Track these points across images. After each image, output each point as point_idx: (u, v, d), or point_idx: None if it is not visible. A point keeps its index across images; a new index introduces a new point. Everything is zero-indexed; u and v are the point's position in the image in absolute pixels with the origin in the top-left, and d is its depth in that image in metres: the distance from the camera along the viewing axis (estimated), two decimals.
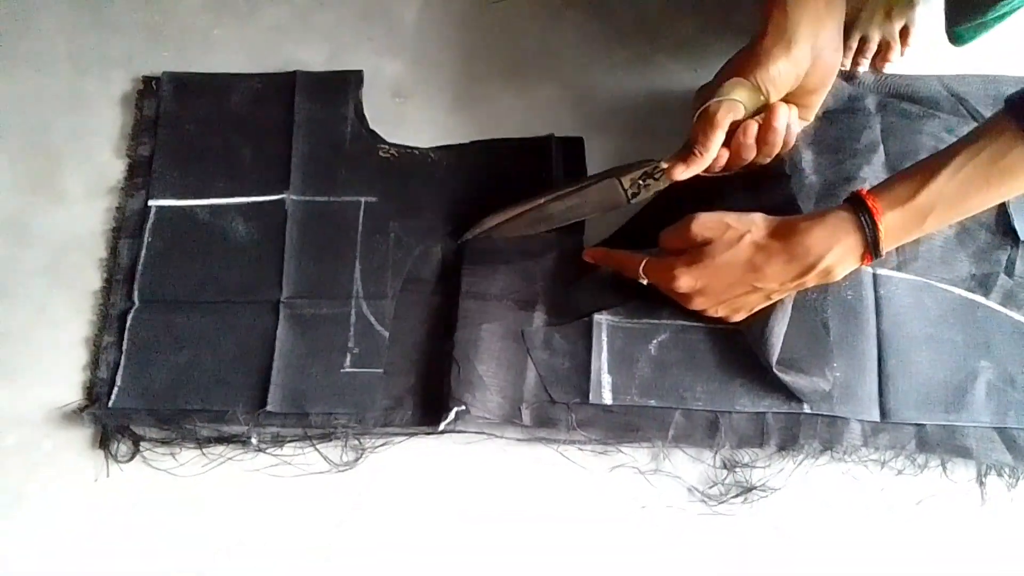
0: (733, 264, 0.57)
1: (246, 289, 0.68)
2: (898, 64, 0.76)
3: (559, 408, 0.63)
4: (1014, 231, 0.67)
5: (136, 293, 0.68)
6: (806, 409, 0.62)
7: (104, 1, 0.81)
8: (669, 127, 0.74)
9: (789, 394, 0.62)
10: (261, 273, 0.68)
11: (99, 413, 0.64)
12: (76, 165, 0.74)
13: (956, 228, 0.68)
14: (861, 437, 0.61)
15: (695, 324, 0.64)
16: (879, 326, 0.64)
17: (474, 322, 0.65)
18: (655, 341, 0.64)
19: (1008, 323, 0.65)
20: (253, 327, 0.67)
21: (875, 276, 0.65)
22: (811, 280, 0.57)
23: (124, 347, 0.66)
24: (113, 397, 0.65)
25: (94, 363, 0.67)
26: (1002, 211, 0.68)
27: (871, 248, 0.55)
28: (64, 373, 0.67)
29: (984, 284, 0.66)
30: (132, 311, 0.68)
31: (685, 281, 0.58)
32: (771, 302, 0.60)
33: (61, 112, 0.76)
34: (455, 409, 0.61)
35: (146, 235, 0.70)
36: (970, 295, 0.66)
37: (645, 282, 0.61)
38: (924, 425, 0.62)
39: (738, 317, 0.61)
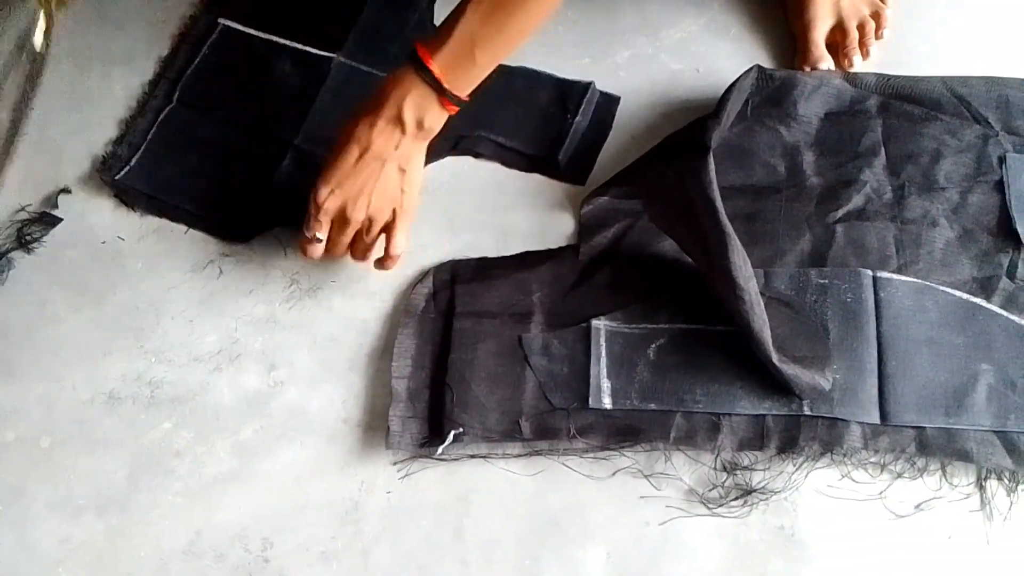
0: (349, 152, 0.63)
1: (270, 123, 0.75)
2: (901, 65, 0.76)
3: (559, 416, 0.62)
4: (1016, 234, 0.67)
5: (177, 94, 0.76)
6: (806, 411, 0.61)
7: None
8: (671, 127, 0.73)
9: (789, 396, 0.62)
10: (288, 114, 0.75)
11: (107, 179, 0.72)
12: (77, 162, 0.74)
13: (957, 231, 0.68)
14: (861, 439, 0.61)
15: (694, 328, 0.64)
16: (879, 328, 0.64)
17: (469, 343, 0.65)
18: (653, 345, 0.64)
19: (1009, 326, 0.64)
20: (261, 157, 0.73)
21: (875, 279, 0.65)
22: (410, 135, 0.62)
23: (149, 136, 0.74)
24: (123, 172, 0.73)
25: (118, 140, 0.75)
26: (1003, 214, 0.68)
27: (439, 90, 0.61)
28: (63, 369, 0.67)
29: (985, 287, 0.66)
30: (168, 108, 0.76)
31: (322, 191, 0.63)
32: (404, 173, 0.64)
33: (63, 109, 0.77)
34: (452, 432, 0.61)
35: (205, 48, 0.78)
36: (971, 298, 0.65)
37: (313, 235, 0.65)
38: (924, 428, 0.61)
39: (380, 201, 0.64)
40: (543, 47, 0.79)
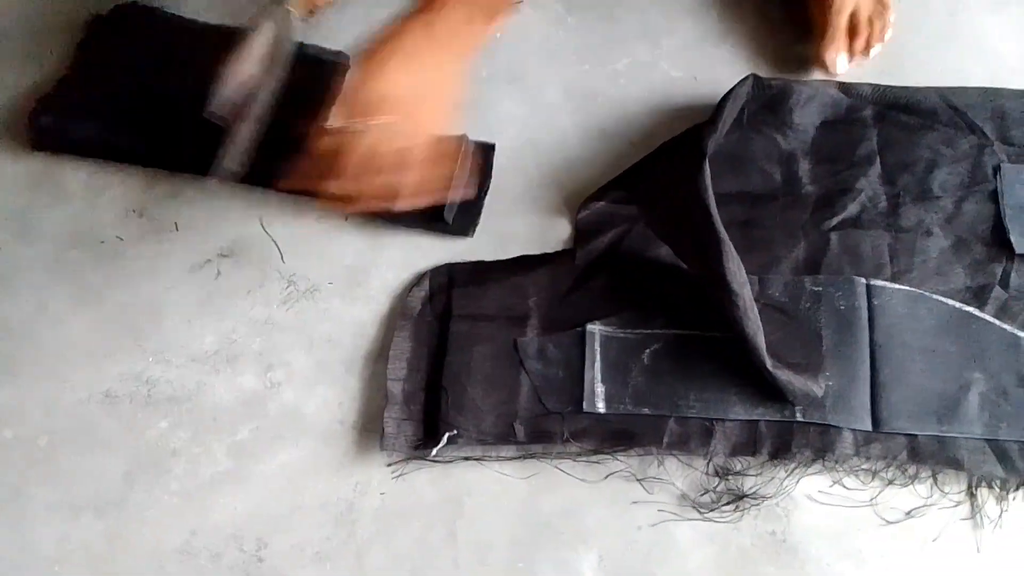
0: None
1: None
2: (900, 73, 0.76)
3: (553, 420, 0.63)
4: (1009, 243, 0.67)
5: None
6: (799, 418, 0.62)
7: (105, 1, 0.81)
8: (668, 134, 0.74)
9: (782, 402, 0.62)
10: None
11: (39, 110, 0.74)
12: (77, 162, 0.75)
13: (952, 240, 0.68)
14: (853, 446, 0.61)
15: (688, 333, 0.65)
16: (872, 336, 0.64)
17: (465, 346, 0.65)
18: (648, 350, 0.64)
19: (1002, 335, 0.65)
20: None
21: (869, 286, 0.66)
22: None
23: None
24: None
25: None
26: (997, 223, 0.68)
27: None
28: (63, 369, 0.67)
29: (979, 296, 0.66)
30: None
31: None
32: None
33: None
34: (446, 434, 0.61)
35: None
36: (965, 307, 0.66)
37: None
38: (916, 435, 0.62)
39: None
40: (543, 54, 0.79)
